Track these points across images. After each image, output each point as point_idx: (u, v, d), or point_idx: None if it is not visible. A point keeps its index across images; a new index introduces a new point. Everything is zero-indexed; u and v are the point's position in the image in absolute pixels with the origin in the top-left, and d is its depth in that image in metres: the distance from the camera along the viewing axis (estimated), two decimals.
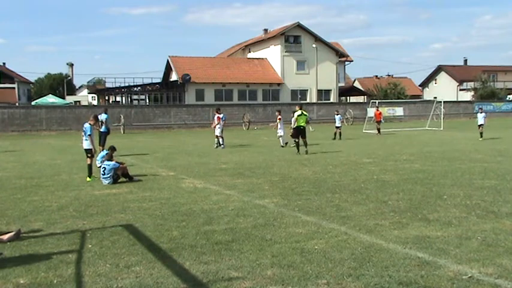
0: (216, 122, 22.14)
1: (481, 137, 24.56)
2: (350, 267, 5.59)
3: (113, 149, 13.47)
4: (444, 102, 42.69)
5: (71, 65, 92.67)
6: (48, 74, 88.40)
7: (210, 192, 10.84)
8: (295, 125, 19.08)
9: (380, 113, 31.67)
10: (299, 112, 19.12)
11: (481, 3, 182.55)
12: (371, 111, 39.28)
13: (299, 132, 18.97)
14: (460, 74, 78.43)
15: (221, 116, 22.35)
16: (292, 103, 51.03)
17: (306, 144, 18.89)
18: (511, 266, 5.52)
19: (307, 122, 19.48)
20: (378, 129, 30.76)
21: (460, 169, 13.58)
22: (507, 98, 65.56)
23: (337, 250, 6.24)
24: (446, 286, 4.98)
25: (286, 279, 5.26)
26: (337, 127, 27.66)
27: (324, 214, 8.35)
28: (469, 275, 5.25)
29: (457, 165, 14.55)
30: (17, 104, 58.12)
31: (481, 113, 25.83)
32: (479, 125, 25.27)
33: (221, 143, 22.08)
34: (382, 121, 31.47)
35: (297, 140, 18.96)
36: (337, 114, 28.71)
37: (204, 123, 44.23)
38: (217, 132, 22.06)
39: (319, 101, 53.19)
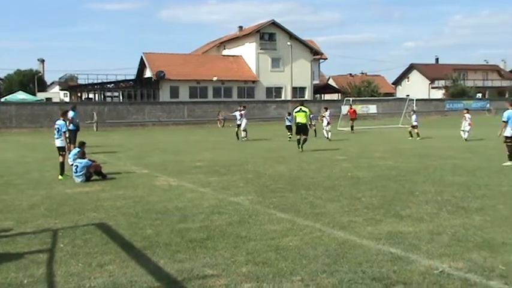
0: (239, 117, 25.65)
1: (411, 136, 24.03)
2: (324, 263, 5.63)
3: (82, 144, 13.29)
4: (416, 100, 43.30)
5: (42, 61, 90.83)
6: (18, 70, 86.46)
7: (184, 190, 10.78)
8: (295, 122, 19.17)
9: (354, 111, 32.06)
10: (297, 108, 19.17)
11: (452, 2, 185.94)
12: (345, 109, 39.67)
13: (297, 129, 18.95)
14: (432, 72, 79.74)
15: (244, 112, 25.75)
16: (268, 100, 51.26)
17: (303, 142, 18.61)
18: (480, 260, 5.65)
19: (310, 119, 19.44)
20: (352, 127, 31.09)
21: (432, 166, 13.82)
22: (477, 96, 66.98)
23: (311, 247, 6.28)
24: (418, 280, 5.07)
25: (261, 276, 5.28)
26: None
27: (299, 211, 8.40)
28: (440, 270, 5.35)
29: (429, 162, 14.80)
30: None
31: (413, 113, 25.45)
32: (413, 126, 24.64)
33: (244, 135, 25.06)
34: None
35: (298, 137, 18.95)
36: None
37: (179, 121, 43.98)
38: (243, 126, 25.26)
39: (293, 99, 53.38)
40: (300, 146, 18.54)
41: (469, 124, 22.77)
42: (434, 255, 5.87)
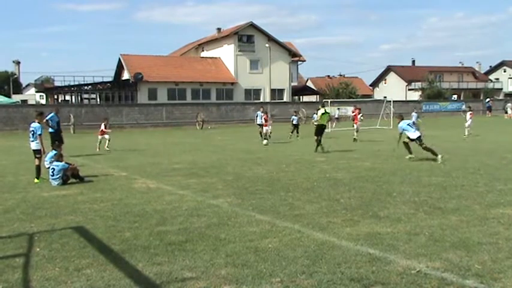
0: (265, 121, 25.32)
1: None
2: (303, 264, 5.66)
3: (59, 146, 13.18)
4: (393, 101, 43.81)
5: (18, 63, 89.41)
6: None
7: (163, 192, 10.71)
8: (318, 123, 19.50)
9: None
10: (322, 110, 19.60)
11: (427, 6, 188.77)
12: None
13: (320, 131, 19.30)
14: (408, 74, 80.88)
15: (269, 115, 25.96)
16: (246, 102, 51.26)
17: (319, 142, 19.11)
18: (456, 259, 5.74)
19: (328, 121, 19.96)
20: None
21: (409, 167, 13.98)
22: (452, 98, 68.08)
23: (290, 248, 6.29)
24: (396, 281, 5.12)
25: (240, 278, 5.27)
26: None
27: (278, 213, 8.41)
28: (417, 270, 5.41)
29: (406, 162, 14.97)
30: None
31: (414, 111, 28.00)
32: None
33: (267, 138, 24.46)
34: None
35: (319, 138, 19.20)
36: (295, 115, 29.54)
37: (157, 123, 43.70)
38: (268, 129, 25.02)
39: (272, 100, 53.53)
40: (317, 147, 18.83)
41: (470, 115, 25.80)
42: (411, 255, 5.95)
